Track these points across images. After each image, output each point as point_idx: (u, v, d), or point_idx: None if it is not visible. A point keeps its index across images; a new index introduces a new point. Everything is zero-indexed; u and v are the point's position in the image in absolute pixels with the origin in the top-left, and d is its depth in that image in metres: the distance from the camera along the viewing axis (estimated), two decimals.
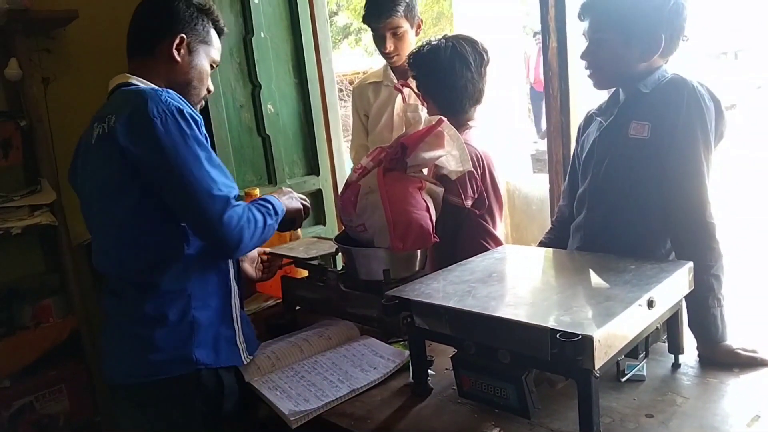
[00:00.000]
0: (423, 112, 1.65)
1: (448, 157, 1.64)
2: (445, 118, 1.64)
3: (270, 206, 1.44)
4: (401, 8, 2.15)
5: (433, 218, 1.62)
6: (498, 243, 1.90)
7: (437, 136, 1.61)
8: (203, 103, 1.54)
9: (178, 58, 1.43)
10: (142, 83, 1.40)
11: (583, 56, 1.50)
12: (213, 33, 1.50)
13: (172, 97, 1.33)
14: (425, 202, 1.62)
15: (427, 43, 1.90)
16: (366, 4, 2.24)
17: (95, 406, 2.36)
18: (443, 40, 1.87)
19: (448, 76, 1.84)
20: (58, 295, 2.36)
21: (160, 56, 1.43)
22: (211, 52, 1.50)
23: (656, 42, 1.41)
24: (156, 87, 1.38)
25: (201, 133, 1.34)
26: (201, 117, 1.38)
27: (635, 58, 1.44)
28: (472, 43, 1.87)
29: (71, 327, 2.31)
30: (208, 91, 1.54)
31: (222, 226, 1.28)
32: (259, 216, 1.38)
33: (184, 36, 1.43)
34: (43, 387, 2.25)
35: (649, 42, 1.42)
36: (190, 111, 1.33)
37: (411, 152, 1.61)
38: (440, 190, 1.71)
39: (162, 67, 1.43)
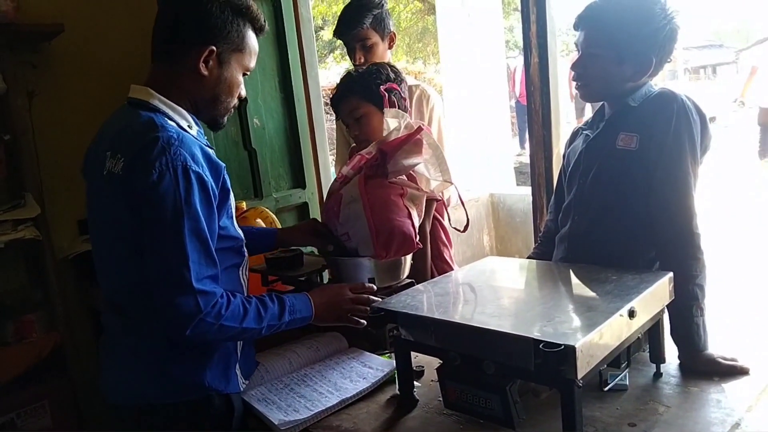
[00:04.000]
0: (405, 119, 1.65)
1: (426, 165, 1.65)
2: (425, 126, 1.65)
3: (274, 308, 1.30)
4: (368, 20, 2.19)
5: (416, 225, 1.63)
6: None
7: (416, 143, 1.61)
8: (232, 111, 1.42)
9: (205, 72, 1.28)
10: (163, 104, 1.27)
11: (574, 67, 1.51)
12: (249, 36, 1.34)
13: (186, 148, 1.19)
14: (407, 208, 1.63)
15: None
16: (338, 19, 2.30)
17: (79, 423, 2.33)
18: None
19: None
20: (42, 310, 2.34)
21: (185, 69, 1.28)
22: (244, 60, 1.34)
23: (647, 64, 1.43)
24: (174, 127, 1.24)
25: (206, 191, 1.21)
26: (222, 165, 1.27)
27: (625, 78, 1.46)
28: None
29: (54, 342, 2.29)
30: (239, 98, 1.39)
31: (168, 308, 1.17)
32: (232, 317, 1.23)
33: (215, 48, 1.27)
34: (25, 403, 2.22)
35: (641, 63, 1.44)
36: (198, 169, 1.20)
37: (390, 158, 1.61)
38: (422, 195, 1.71)
39: (185, 81, 1.29)
